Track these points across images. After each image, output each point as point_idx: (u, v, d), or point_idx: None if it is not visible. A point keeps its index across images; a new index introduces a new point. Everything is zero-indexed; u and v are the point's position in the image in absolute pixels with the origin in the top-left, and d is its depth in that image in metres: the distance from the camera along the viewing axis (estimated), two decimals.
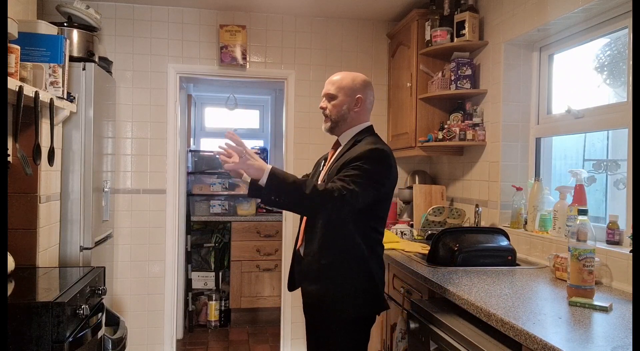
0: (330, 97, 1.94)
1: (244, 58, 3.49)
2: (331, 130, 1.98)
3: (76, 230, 2.61)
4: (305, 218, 1.96)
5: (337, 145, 2.01)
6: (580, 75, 2.42)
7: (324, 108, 1.96)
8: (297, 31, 3.62)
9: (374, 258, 1.87)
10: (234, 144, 1.67)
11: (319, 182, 1.86)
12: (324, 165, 2.05)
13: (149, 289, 3.46)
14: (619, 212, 2.02)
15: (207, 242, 4.66)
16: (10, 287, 1.91)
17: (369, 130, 1.97)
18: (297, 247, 2.00)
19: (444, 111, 3.17)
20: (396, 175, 1.88)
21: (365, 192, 1.74)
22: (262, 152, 5.01)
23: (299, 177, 2.12)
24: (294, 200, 1.70)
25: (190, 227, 4.40)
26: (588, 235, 1.63)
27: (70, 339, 1.72)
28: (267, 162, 4.94)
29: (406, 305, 2.25)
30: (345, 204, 1.69)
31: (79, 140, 2.62)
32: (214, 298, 4.37)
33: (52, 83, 2.27)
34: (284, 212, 3.62)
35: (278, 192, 1.67)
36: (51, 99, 2.23)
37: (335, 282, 1.82)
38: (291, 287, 2.06)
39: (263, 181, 1.65)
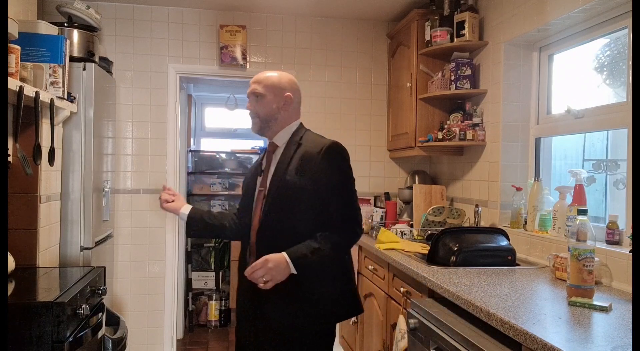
0: (257, 96, 1.83)
1: (244, 58, 3.50)
2: (261, 131, 1.88)
3: (76, 230, 2.62)
4: (256, 224, 1.80)
5: (273, 147, 1.90)
6: (580, 75, 2.42)
7: (252, 109, 1.85)
8: (297, 31, 3.62)
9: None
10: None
11: (265, 193, 1.81)
12: (262, 172, 1.90)
13: (149, 289, 3.46)
14: (619, 212, 2.02)
15: (207, 242, 4.66)
16: (11, 287, 1.91)
17: (303, 128, 1.93)
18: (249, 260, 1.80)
19: (444, 111, 3.17)
20: None
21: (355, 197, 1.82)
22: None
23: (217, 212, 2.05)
24: (326, 261, 1.74)
25: None
26: (588, 235, 1.63)
27: (71, 339, 1.72)
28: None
29: (406, 305, 2.25)
30: (354, 231, 1.79)
31: (79, 140, 2.62)
32: (214, 298, 4.37)
33: (52, 83, 2.27)
34: None
35: (309, 269, 1.70)
36: (51, 99, 2.23)
37: (308, 297, 1.75)
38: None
39: (294, 271, 1.67)
